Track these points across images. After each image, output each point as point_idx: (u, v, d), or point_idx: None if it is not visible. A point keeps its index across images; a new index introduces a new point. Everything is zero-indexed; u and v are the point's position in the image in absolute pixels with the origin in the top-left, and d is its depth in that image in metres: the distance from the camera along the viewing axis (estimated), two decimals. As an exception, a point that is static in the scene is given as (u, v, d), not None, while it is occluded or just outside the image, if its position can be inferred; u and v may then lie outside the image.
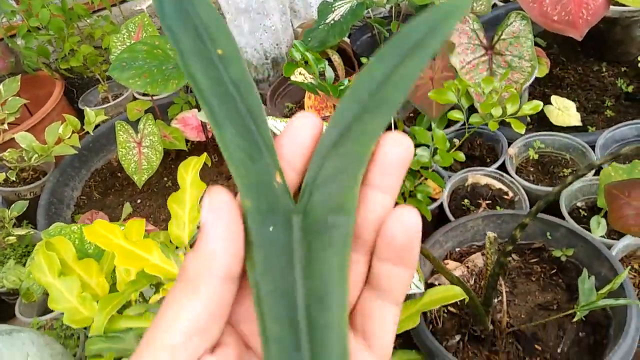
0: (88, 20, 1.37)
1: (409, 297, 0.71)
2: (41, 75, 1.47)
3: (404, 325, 0.63)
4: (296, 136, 0.22)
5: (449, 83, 0.84)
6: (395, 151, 0.22)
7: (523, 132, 0.79)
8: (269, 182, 0.21)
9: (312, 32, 1.15)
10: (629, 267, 0.80)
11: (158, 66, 1.07)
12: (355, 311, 0.24)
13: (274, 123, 0.78)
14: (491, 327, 0.73)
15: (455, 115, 0.86)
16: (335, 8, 1.16)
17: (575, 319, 0.69)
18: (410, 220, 0.21)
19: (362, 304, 0.24)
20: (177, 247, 0.62)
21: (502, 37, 0.88)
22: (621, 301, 0.62)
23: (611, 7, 1.10)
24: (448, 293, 0.62)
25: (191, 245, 0.64)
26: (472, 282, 0.81)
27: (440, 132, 0.87)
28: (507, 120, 0.81)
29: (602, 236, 0.83)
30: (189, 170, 0.67)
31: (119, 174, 1.36)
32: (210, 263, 0.20)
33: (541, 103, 0.79)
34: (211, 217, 0.20)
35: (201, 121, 1.21)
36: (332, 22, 1.13)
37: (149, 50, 1.10)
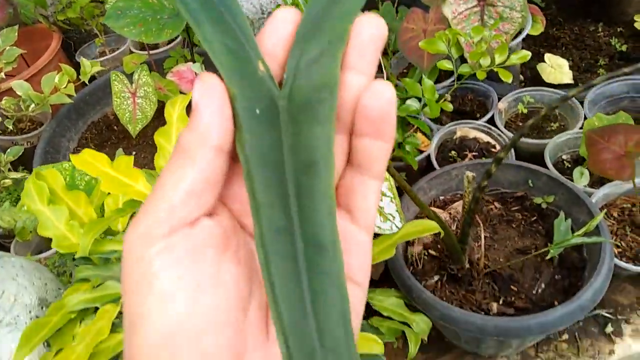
0: (86, -28, 1.36)
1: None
2: (39, 28, 1.47)
3: (381, 256, 0.65)
4: (277, 29, 0.23)
5: (439, 33, 0.85)
6: (369, 32, 0.22)
7: (510, 81, 0.79)
8: (253, 71, 0.22)
9: (308, -15, 1.14)
10: (608, 214, 0.81)
11: (153, 15, 1.07)
12: (339, 189, 0.25)
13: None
14: (468, 266, 0.75)
15: (445, 64, 0.86)
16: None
17: (548, 257, 0.71)
18: (384, 92, 0.22)
19: (345, 182, 0.25)
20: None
21: (494, -14, 0.89)
22: (594, 239, 0.64)
23: (609, -36, 1.09)
24: (424, 226, 0.64)
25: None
26: (453, 227, 0.83)
27: (429, 82, 0.87)
28: (495, 69, 0.82)
29: (585, 186, 0.84)
30: (176, 107, 0.68)
31: (115, 127, 1.37)
32: (204, 135, 0.21)
33: (529, 53, 0.80)
34: (204, 97, 0.21)
35: (195, 74, 1.21)
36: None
37: (144, 0, 1.10)
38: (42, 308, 0.61)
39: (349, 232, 0.25)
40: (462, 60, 0.90)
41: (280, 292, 0.21)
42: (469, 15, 0.89)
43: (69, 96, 1.19)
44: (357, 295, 0.25)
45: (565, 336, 0.86)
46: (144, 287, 0.21)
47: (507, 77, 0.81)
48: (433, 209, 0.87)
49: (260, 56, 0.22)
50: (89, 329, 0.53)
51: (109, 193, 0.69)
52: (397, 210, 0.76)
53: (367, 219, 0.25)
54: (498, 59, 0.81)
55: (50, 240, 0.64)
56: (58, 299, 0.62)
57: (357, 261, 0.25)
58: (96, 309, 0.59)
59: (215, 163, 0.22)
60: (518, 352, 0.84)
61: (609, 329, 0.85)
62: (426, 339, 0.71)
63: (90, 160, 0.61)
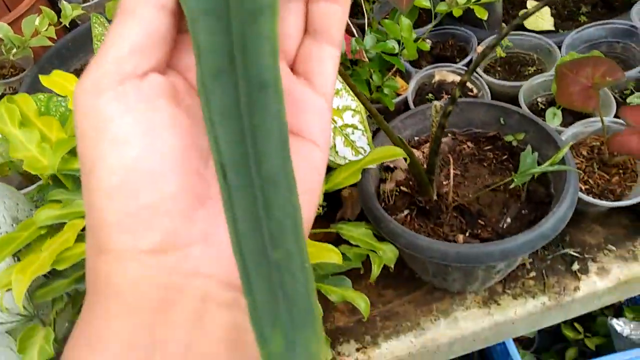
0: None
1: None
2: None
3: (348, 180, 0.66)
4: None
5: (417, -30, 0.84)
6: None
7: (485, 17, 0.80)
8: None
9: None
10: (578, 153, 0.83)
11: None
12: (297, 58, 0.25)
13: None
14: (436, 199, 0.76)
15: (423, 2, 0.86)
16: None
17: (512, 186, 0.72)
18: None
19: (302, 50, 0.25)
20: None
21: None
22: (557, 167, 0.65)
23: None
24: (390, 152, 0.65)
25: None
26: (425, 165, 0.84)
27: (406, 21, 0.87)
28: (472, 6, 0.82)
29: (558, 126, 0.85)
30: None
31: (99, 75, 1.37)
32: None
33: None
34: None
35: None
36: None
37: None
38: (12, 225, 0.63)
39: (308, 97, 0.25)
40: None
41: (220, 128, 0.21)
42: (446, -49, 0.89)
43: (51, 39, 1.18)
44: (318, 155, 0.26)
45: (533, 273, 0.89)
46: (98, 132, 0.21)
47: (482, 14, 0.81)
48: (407, 148, 0.88)
49: None
50: (55, 240, 0.55)
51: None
52: (368, 144, 0.77)
53: (326, 85, 0.26)
54: (474, -5, 0.81)
55: (29, 178, 0.65)
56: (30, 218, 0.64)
57: (316, 125, 0.26)
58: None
59: (158, 20, 0.22)
60: (485, 287, 0.87)
61: (575, 266, 0.88)
62: (393, 267, 0.73)
63: (59, 80, 0.61)
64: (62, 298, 0.64)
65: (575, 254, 0.89)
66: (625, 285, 0.87)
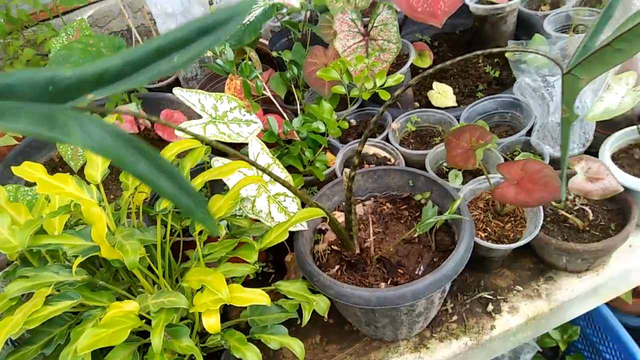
0: (32, 29, 1.51)
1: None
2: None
3: (278, 238, 0.78)
4: None
5: (333, 63, 1.03)
6: None
7: (388, 98, 0.96)
8: None
9: (230, 32, 1.32)
10: (475, 206, 0.98)
11: (92, 62, 1.22)
12: None
13: (200, 97, 0.94)
14: (358, 252, 0.89)
15: (339, 89, 1.03)
16: (251, 11, 1.34)
17: (415, 235, 0.86)
18: None
19: None
20: (88, 183, 0.76)
21: (375, 24, 1.07)
22: (451, 216, 0.79)
23: (479, 5, 1.31)
24: (311, 212, 0.78)
25: (102, 182, 0.78)
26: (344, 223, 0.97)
27: (327, 105, 1.04)
28: (377, 90, 0.99)
29: (460, 185, 1.01)
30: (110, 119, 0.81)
31: (60, 169, 1.48)
32: None
33: (402, 76, 0.98)
34: None
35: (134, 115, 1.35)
36: (247, 22, 1.31)
37: (84, 48, 1.24)
38: (-16, 299, 0.71)
39: None
40: (353, 85, 1.07)
41: None
42: (356, 48, 1.08)
43: (16, 139, 1.30)
44: None
45: (455, 317, 1.01)
46: None
47: (385, 96, 0.98)
48: (337, 212, 1.02)
49: None
50: (26, 305, 0.64)
51: (48, 201, 0.80)
52: (298, 209, 0.90)
53: None
54: (379, 82, 0.98)
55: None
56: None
57: None
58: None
59: None
60: (414, 333, 0.98)
61: (490, 307, 1.00)
62: (326, 317, 0.84)
63: (28, 170, 0.73)
64: (28, 363, 0.71)
65: (489, 296, 1.02)
66: (534, 321, 0.99)
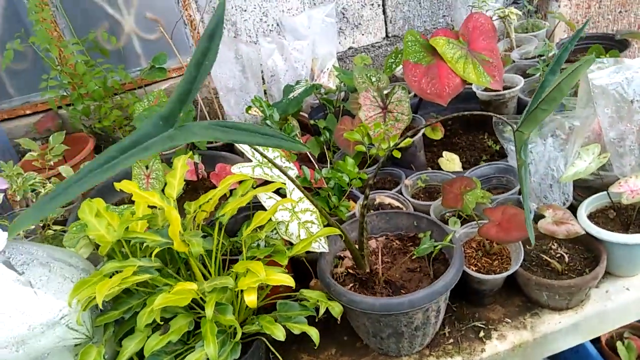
0: (120, 95, 1.87)
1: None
2: (79, 136, 1.94)
3: (304, 249, 1.01)
4: None
5: (357, 128, 1.30)
6: None
7: (399, 156, 1.22)
8: None
9: (277, 104, 1.63)
10: (469, 246, 1.18)
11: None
12: None
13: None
14: (368, 272, 1.10)
15: (361, 147, 1.29)
16: (295, 89, 1.65)
17: (414, 257, 1.07)
18: None
19: None
20: (167, 198, 1.02)
21: (392, 100, 1.35)
22: (444, 243, 1.01)
23: (484, 92, 1.59)
24: (330, 230, 1.01)
25: (177, 199, 1.04)
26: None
27: (350, 160, 1.30)
28: (390, 148, 1.25)
29: (459, 229, 1.22)
30: (180, 159, 1.09)
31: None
32: None
33: (412, 140, 1.23)
34: None
35: (195, 164, 1.65)
36: (292, 97, 1.62)
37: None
38: (86, 274, 0.96)
39: None
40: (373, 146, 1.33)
41: None
42: (376, 118, 1.35)
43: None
44: None
45: (451, 340, 1.18)
46: None
47: (397, 154, 1.23)
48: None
49: None
50: (118, 274, 0.88)
51: (132, 214, 1.07)
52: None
53: None
54: (392, 143, 1.24)
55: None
56: (95, 273, 0.97)
57: None
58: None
59: None
60: (415, 350, 1.15)
61: (482, 334, 1.17)
62: (339, 319, 1.04)
63: (127, 185, 1.00)
64: (112, 325, 0.94)
65: (481, 325, 1.19)
66: (520, 349, 1.15)
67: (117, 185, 1.01)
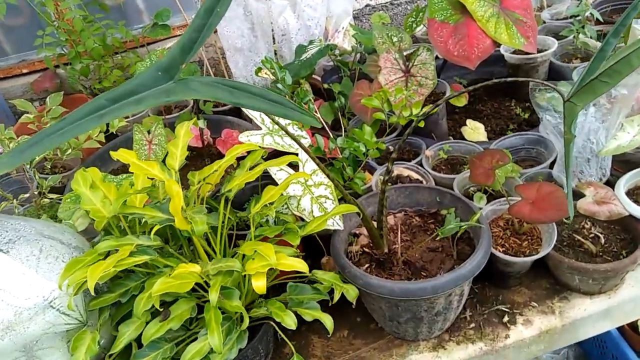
0: (121, 54, 1.76)
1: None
2: (78, 97, 1.84)
3: (318, 227, 0.92)
4: None
5: (375, 94, 1.18)
6: None
7: (422, 125, 1.11)
8: None
9: (289, 66, 1.51)
10: (496, 224, 1.09)
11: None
12: None
13: (261, 113, 1.10)
14: (387, 252, 1.01)
15: (380, 115, 1.18)
16: (308, 50, 1.53)
17: (438, 238, 0.97)
18: None
19: None
20: (169, 170, 0.93)
21: (415, 63, 1.23)
22: (470, 222, 0.91)
23: (513, 55, 1.46)
24: (346, 208, 0.92)
25: (179, 169, 0.95)
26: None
27: (368, 129, 1.19)
28: (413, 118, 1.14)
29: (484, 205, 1.12)
30: (183, 127, 0.99)
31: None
32: None
33: (437, 108, 1.12)
34: None
35: (200, 130, 1.55)
36: (304, 59, 1.50)
37: (165, 72, 1.46)
38: (80, 253, 0.88)
39: None
40: (393, 113, 1.22)
41: None
42: (397, 82, 1.23)
43: (99, 142, 1.51)
44: None
45: (472, 325, 1.10)
46: None
47: (420, 124, 1.12)
48: (370, 221, 1.15)
49: None
50: (114, 255, 0.80)
51: (131, 186, 0.98)
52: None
53: None
54: (414, 111, 1.13)
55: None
56: (90, 251, 0.89)
57: None
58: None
59: None
60: (434, 335, 1.08)
61: (506, 319, 1.09)
62: (354, 303, 0.96)
63: (124, 154, 0.91)
64: (107, 309, 0.87)
65: (506, 309, 1.11)
66: (547, 335, 1.07)
67: (114, 155, 0.91)
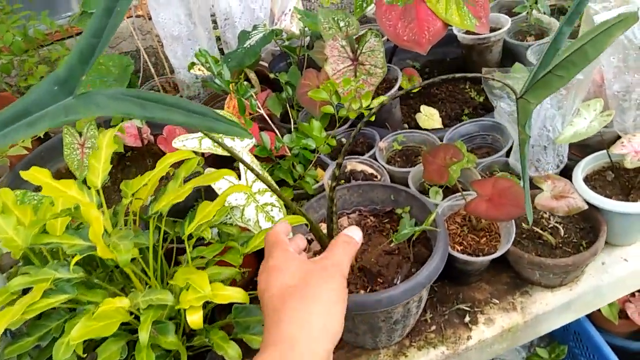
0: (47, 48, 1.60)
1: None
2: (3, 96, 1.68)
3: (262, 244, 0.84)
4: None
5: (323, 85, 1.10)
6: None
7: (373, 119, 1.03)
8: None
9: (232, 54, 1.40)
10: (453, 221, 1.03)
11: (100, 78, 1.30)
12: None
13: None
14: (339, 261, 0.94)
15: (329, 109, 1.10)
16: (252, 36, 1.42)
17: (392, 244, 0.91)
18: None
19: None
20: (89, 188, 0.83)
21: (363, 50, 1.15)
22: (425, 226, 0.85)
23: (465, 35, 1.39)
24: (293, 219, 0.84)
25: (102, 188, 0.85)
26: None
27: (317, 123, 1.11)
28: (362, 111, 1.06)
29: (440, 201, 1.07)
30: (106, 136, 0.89)
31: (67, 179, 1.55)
32: None
33: (387, 98, 1.04)
34: None
35: (138, 128, 1.43)
36: (248, 46, 1.39)
37: (94, 66, 1.33)
38: (-11, 292, 0.78)
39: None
40: (343, 106, 1.14)
41: None
42: (345, 72, 1.15)
43: (26, 149, 1.37)
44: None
45: (433, 327, 1.05)
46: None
47: (371, 118, 1.04)
48: (323, 224, 1.08)
49: None
50: (25, 297, 0.70)
51: (52, 206, 0.87)
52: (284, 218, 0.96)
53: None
54: (364, 103, 1.05)
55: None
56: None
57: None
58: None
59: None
60: (394, 342, 1.02)
61: (467, 319, 1.05)
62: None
63: (35, 174, 0.80)
64: (26, 356, 0.77)
65: (467, 308, 1.07)
66: (509, 333, 1.04)
67: (24, 175, 0.80)
